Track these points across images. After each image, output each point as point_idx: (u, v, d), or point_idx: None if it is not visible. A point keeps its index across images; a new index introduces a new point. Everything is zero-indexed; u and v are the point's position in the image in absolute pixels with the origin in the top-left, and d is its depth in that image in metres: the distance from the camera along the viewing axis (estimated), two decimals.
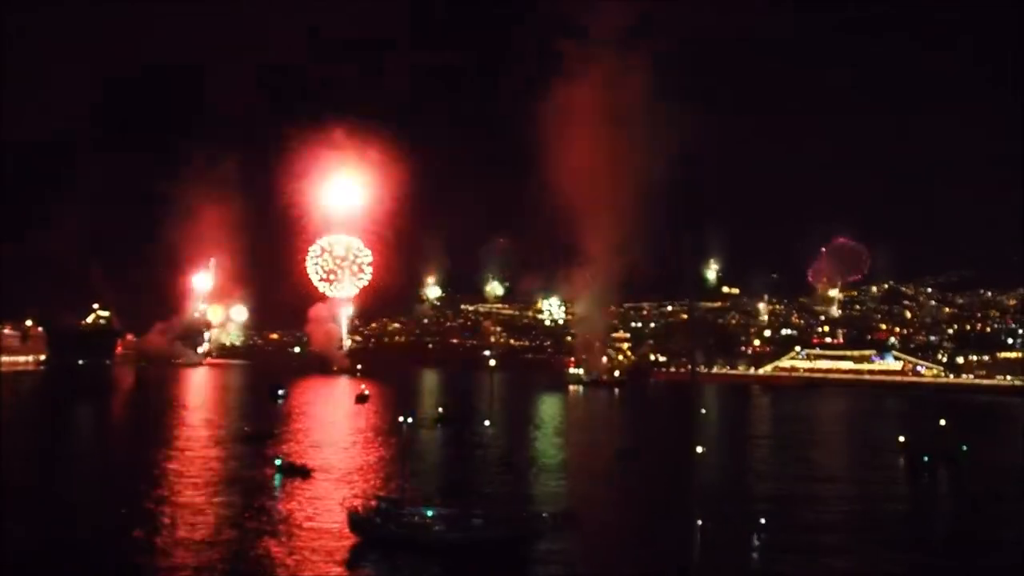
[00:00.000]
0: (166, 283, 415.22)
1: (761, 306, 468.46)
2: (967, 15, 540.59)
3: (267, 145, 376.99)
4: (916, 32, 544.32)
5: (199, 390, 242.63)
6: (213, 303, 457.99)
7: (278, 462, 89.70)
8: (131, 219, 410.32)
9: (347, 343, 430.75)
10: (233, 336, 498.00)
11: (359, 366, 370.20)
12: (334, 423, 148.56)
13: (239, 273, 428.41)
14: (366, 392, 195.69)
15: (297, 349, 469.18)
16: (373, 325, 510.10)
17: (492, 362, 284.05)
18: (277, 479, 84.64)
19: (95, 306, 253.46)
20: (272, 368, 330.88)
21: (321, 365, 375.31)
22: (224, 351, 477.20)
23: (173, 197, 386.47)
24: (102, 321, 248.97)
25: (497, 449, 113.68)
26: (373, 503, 64.21)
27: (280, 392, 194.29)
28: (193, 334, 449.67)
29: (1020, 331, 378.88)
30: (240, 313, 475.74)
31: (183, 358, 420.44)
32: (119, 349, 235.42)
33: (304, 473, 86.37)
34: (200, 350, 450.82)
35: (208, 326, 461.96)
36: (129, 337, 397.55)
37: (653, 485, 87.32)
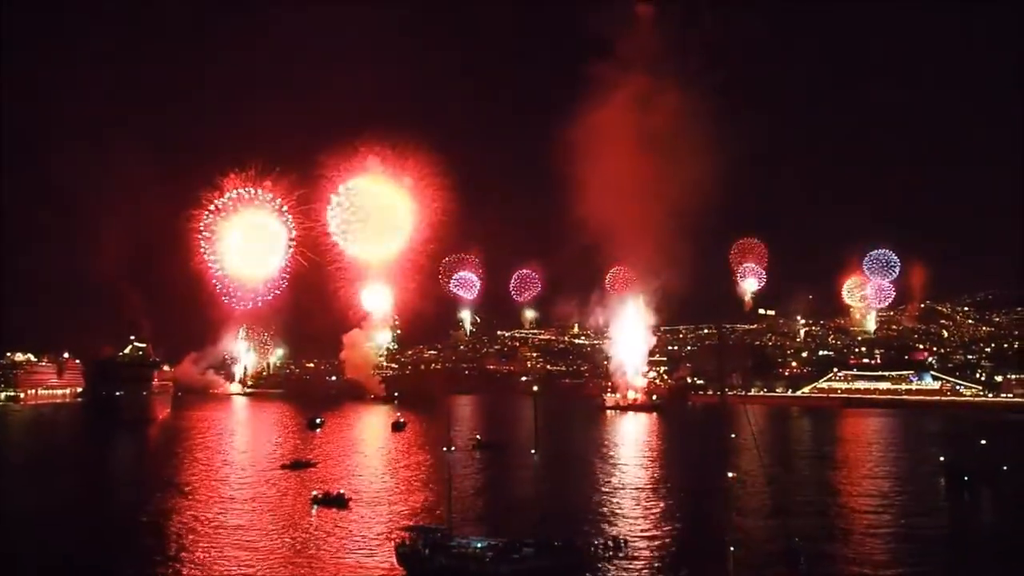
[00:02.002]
0: (202, 312, 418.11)
1: (798, 327, 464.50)
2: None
3: (304, 171, 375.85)
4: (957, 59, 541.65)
5: (236, 420, 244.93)
6: (250, 333, 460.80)
7: (315, 492, 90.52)
8: (169, 247, 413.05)
9: (383, 371, 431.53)
10: (272, 364, 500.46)
11: (396, 393, 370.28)
12: (371, 451, 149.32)
13: (275, 302, 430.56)
14: (402, 420, 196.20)
15: (333, 377, 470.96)
16: (409, 352, 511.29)
17: (535, 388, 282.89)
18: (314, 509, 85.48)
19: (131, 337, 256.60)
20: (308, 397, 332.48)
21: (357, 393, 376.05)
22: (260, 380, 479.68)
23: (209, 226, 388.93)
24: (139, 352, 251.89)
25: (542, 476, 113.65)
26: (420, 534, 63.76)
27: (318, 421, 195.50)
28: (228, 364, 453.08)
29: None
30: (277, 346, 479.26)
31: (219, 388, 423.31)
32: (156, 380, 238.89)
33: (341, 503, 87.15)
34: (236, 380, 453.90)
35: (242, 357, 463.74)
36: (165, 368, 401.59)
37: (691, 511, 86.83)
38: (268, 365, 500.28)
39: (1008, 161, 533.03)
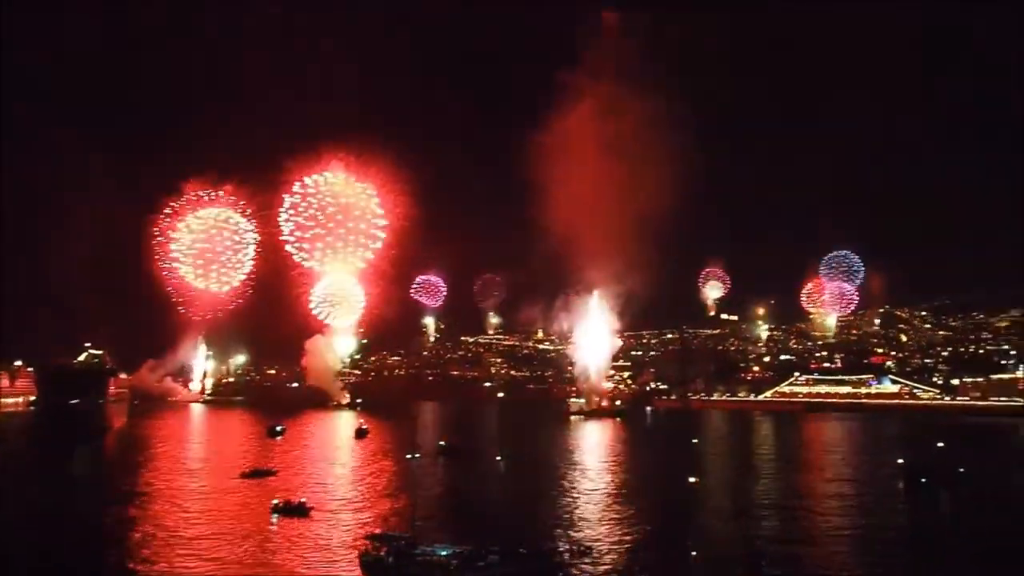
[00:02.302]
0: (160, 319, 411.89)
1: (760, 332, 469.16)
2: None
3: (266, 177, 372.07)
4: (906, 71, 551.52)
5: (195, 429, 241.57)
6: (210, 339, 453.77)
7: (275, 501, 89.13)
8: (124, 255, 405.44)
9: (346, 377, 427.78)
10: (233, 371, 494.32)
11: (359, 400, 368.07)
12: (334, 459, 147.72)
13: (237, 308, 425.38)
14: (365, 427, 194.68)
15: (295, 384, 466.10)
16: (373, 359, 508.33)
17: (501, 394, 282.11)
18: (275, 518, 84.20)
19: (87, 344, 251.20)
20: (269, 404, 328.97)
21: (319, 400, 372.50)
22: (220, 388, 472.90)
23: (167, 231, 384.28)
24: (95, 359, 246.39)
25: (507, 483, 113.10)
26: (384, 542, 62.91)
27: (279, 428, 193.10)
28: (187, 371, 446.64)
29: (1013, 352, 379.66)
30: (237, 353, 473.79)
31: (178, 396, 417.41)
32: (112, 388, 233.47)
33: (302, 511, 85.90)
34: (194, 387, 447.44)
35: (201, 364, 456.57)
36: (122, 376, 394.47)
37: (655, 516, 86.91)
38: (228, 372, 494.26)
39: (965, 171, 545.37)
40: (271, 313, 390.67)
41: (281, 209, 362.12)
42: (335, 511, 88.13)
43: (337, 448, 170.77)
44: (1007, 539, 77.38)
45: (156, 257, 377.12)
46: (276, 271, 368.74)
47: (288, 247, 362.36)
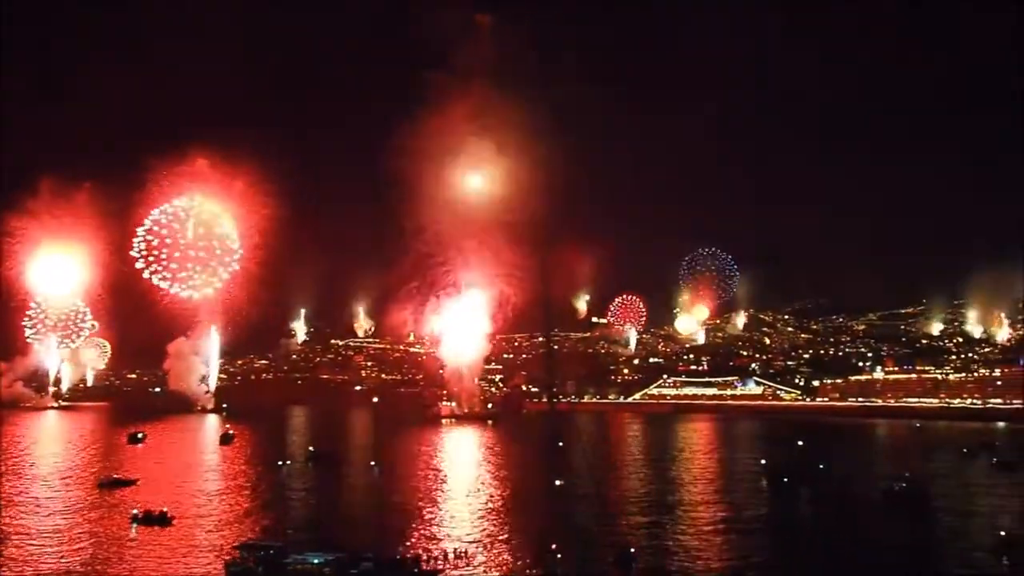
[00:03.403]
0: (11, 322, 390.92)
1: (629, 335, 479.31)
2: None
3: (125, 175, 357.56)
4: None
5: (49, 436, 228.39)
6: (64, 343, 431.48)
7: (135, 511, 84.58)
8: None
9: (212, 381, 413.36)
10: (91, 375, 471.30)
11: (224, 405, 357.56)
12: (198, 466, 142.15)
13: (95, 309, 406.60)
14: (231, 432, 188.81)
15: (158, 389, 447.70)
16: (239, 362, 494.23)
17: (375, 399, 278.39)
18: (134, 528, 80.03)
19: None
20: (131, 409, 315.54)
21: (183, 405, 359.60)
22: (78, 393, 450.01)
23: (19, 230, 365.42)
24: None
25: (380, 489, 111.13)
26: (252, 552, 60.78)
27: (140, 435, 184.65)
28: (41, 376, 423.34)
29: (870, 355, 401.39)
30: (93, 354, 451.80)
31: (31, 402, 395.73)
32: None
33: (164, 521, 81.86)
34: (50, 393, 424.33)
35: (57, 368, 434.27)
36: None
37: (524, 518, 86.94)
38: (86, 377, 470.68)
39: (828, 177, 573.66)
40: (131, 316, 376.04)
41: (144, 210, 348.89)
42: (199, 521, 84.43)
43: (202, 455, 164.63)
44: (854, 529, 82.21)
45: (6, 259, 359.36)
46: (135, 274, 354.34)
47: (149, 248, 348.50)
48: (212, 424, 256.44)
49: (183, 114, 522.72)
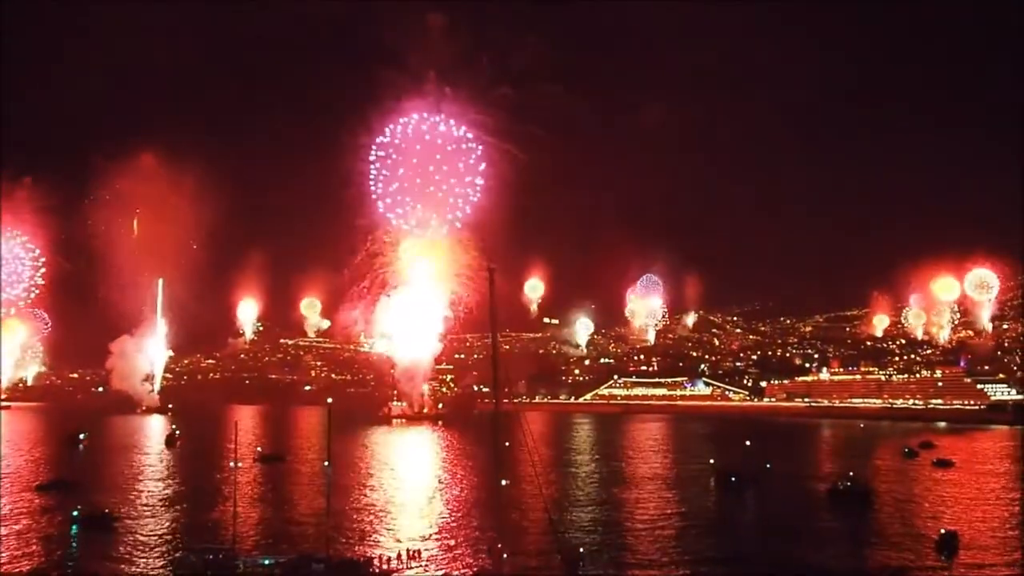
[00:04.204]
0: None
1: (580, 336, 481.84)
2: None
3: (74, 172, 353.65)
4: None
5: None
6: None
7: (75, 513, 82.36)
8: None
9: (157, 380, 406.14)
10: (30, 374, 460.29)
11: (170, 405, 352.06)
12: (141, 467, 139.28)
13: (35, 305, 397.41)
14: (177, 432, 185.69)
15: (100, 388, 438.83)
16: (185, 361, 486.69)
17: (329, 399, 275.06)
18: (74, 531, 78.08)
19: None
20: (72, 409, 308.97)
21: (126, 405, 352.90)
22: (16, 393, 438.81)
23: None
24: None
25: (330, 490, 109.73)
26: (199, 555, 59.50)
27: (81, 436, 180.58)
28: None
29: (816, 356, 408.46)
30: (35, 355, 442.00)
31: None
32: None
33: (107, 523, 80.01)
34: None
35: None
36: None
37: (473, 520, 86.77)
38: (25, 376, 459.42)
39: (776, 182, 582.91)
40: (73, 313, 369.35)
41: (90, 205, 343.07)
42: (143, 523, 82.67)
43: (146, 456, 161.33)
44: (797, 524, 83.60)
45: None
46: (79, 270, 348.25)
47: (94, 244, 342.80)
48: (157, 425, 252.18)
49: (131, 110, 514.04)
